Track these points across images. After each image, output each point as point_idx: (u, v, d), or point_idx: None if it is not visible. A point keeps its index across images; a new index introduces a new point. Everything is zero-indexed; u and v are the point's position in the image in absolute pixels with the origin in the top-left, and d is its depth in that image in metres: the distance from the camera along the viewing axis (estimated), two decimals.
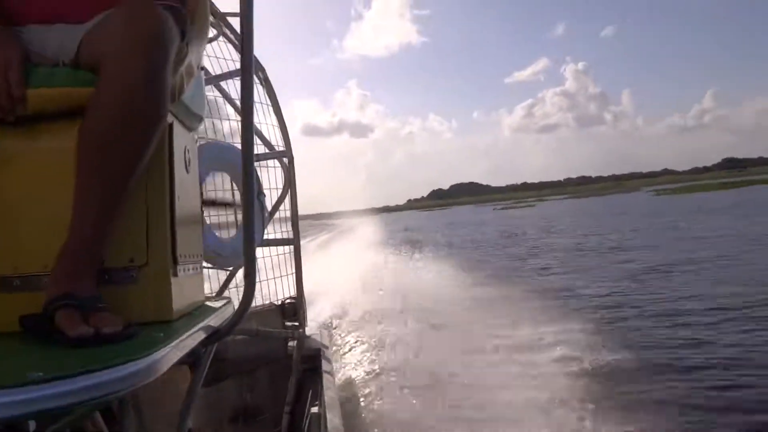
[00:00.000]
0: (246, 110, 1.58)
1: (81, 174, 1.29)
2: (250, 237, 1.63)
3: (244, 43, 1.54)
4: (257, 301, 3.99)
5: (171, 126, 1.50)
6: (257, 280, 3.93)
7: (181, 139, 1.58)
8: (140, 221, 1.40)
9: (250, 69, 1.57)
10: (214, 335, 1.54)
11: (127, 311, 1.30)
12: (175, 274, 1.45)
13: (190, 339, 1.30)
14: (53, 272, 1.27)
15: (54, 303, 1.19)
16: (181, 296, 1.48)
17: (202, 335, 1.41)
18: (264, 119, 4.26)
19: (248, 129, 1.57)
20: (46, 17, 1.49)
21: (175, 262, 1.45)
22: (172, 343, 1.15)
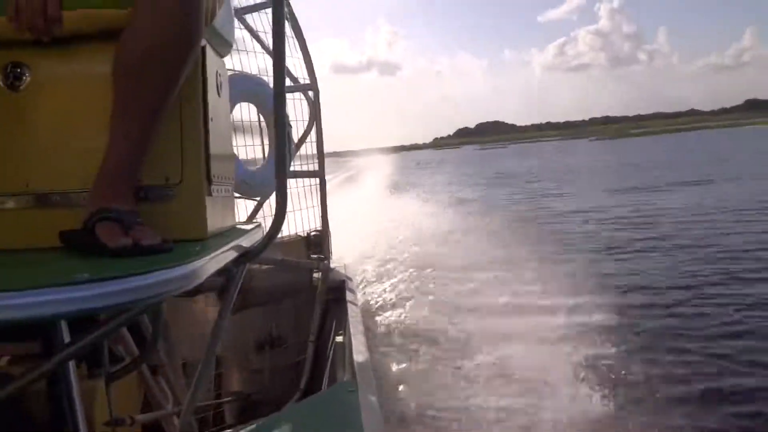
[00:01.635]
0: (278, 40, 1.59)
1: (118, 95, 1.31)
2: (282, 162, 1.66)
3: None
4: (283, 232, 4.06)
5: (204, 49, 1.52)
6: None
7: (213, 63, 1.61)
8: (175, 141, 1.43)
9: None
10: (246, 255, 1.58)
11: (162, 228, 1.33)
12: (210, 194, 1.48)
13: (224, 255, 1.35)
14: (93, 188, 1.31)
15: (95, 216, 1.23)
16: (214, 216, 1.52)
17: (234, 254, 1.46)
18: (289, 53, 4.25)
19: (280, 58, 1.59)
20: None
21: (209, 181, 1.48)
22: (208, 257, 1.20)
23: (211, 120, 1.53)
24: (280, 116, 1.64)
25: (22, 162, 1.39)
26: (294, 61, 4.27)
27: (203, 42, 1.51)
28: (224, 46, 1.81)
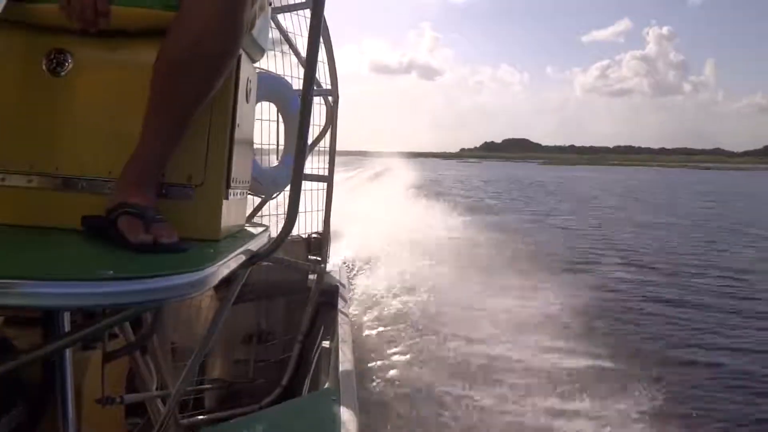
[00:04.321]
0: (312, 50, 1.63)
1: (155, 93, 1.37)
2: (299, 169, 1.71)
3: None
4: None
5: (239, 57, 1.57)
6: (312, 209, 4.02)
7: (246, 69, 1.66)
8: (201, 143, 1.49)
9: (321, 8, 1.62)
10: (253, 258, 1.64)
11: (178, 225, 1.39)
12: (227, 197, 1.54)
13: (234, 260, 1.40)
14: (120, 180, 1.37)
15: (119, 209, 1.29)
16: (228, 218, 1.58)
17: (242, 258, 1.52)
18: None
19: (312, 66, 1.63)
20: None
21: (228, 185, 1.54)
22: (220, 261, 1.26)
23: (238, 126, 1.58)
24: (304, 125, 1.69)
25: (54, 145, 1.45)
26: (318, 64, 4.31)
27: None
28: (258, 52, 1.86)
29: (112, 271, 0.99)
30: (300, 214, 4.25)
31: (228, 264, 1.34)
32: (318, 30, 1.63)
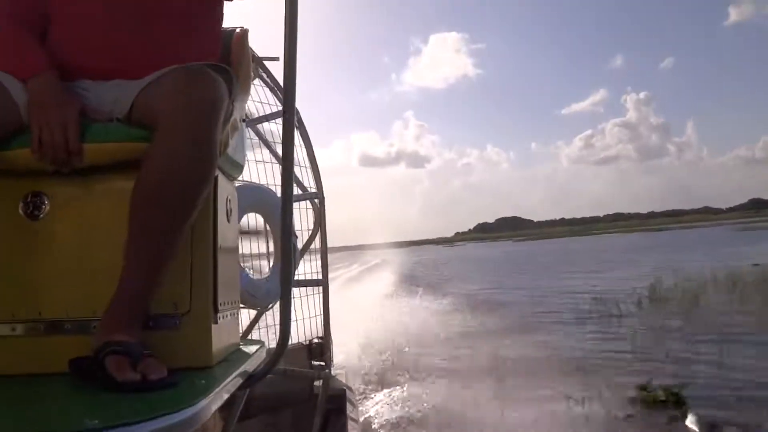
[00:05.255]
0: (287, 156, 1.64)
1: (132, 228, 1.36)
2: (287, 285, 1.69)
3: (286, 89, 1.62)
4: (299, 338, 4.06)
5: (216, 178, 1.57)
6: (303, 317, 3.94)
7: (224, 189, 1.65)
8: (184, 270, 1.47)
9: (292, 118, 1.64)
10: (250, 380, 1.59)
11: (168, 356, 1.35)
12: (216, 322, 1.51)
13: (229, 386, 1.35)
14: (104, 319, 1.33)
15: (105, 349, 1.25)
16: (219, 342, 1.54)
17: (239, 381, 1.46)
18: (297, 161, 4.33)
19: (288, 172, 1.64)
20: (103, 73, 1.57)
21: (215, 310, 1.51)
22: (213, 392, 1.21)
23: (220, 248, 1.56)
24: (287, 238, 1.67)
25: (37, 290, 1.43)
26: (301, 169, 4.35)
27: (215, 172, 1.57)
28: (236, 170, 1.87)
29: (97, 421, 0.94)
30: (299, 320, 4.21)
31: (222, 392, 1.29)
32: (291, 138, 1.64)
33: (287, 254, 1.69)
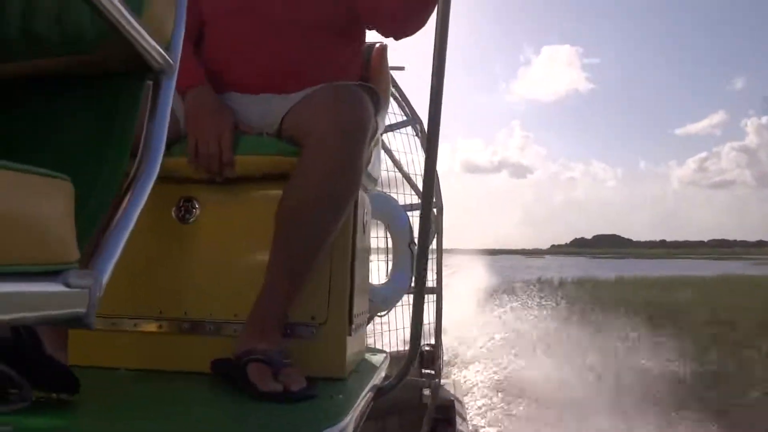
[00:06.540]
0: (428, 171, 1.66)
1: (277, 240, 1.40)
2: (420, 297, 1.70)
3: (432, 101, 1.65)
4: (396, 346, 4.06)
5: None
6: (401, 326, 3.96)
7: (362, 203, 1.68)
8: (324, 282, 1.50)
9: (437, 129, 1.66)
10: (381, 392, 1.61)
11: (303, 364, 1.38)
12: (350, 334, 1.53)
13: (364, 401, 1.37)
14: (247, 325, 1.38)
15: (247, 356, 1.30)
16: (352, 353, 1.56)
17: (371, 395, 1.48)
18: (416, 170, 4.35)
19: (429, 188, 1.66)
20: (251, 87, 1.62)
21: (350, 322, 1.53)
22: (354, 407, 1.23)
23: (356, 260, 1.59)
24: (423, 248, 1.68)
25: (183, 290, 1.50)
26: (416, 178, 4.36)
27: None
28: (371, 182, 1.90)
29: None
30: (406, 329, 4.22)
31: (360, 407, 1.31)
32: (435, 153, 1.66)
33: (421, 264, 1.71)
